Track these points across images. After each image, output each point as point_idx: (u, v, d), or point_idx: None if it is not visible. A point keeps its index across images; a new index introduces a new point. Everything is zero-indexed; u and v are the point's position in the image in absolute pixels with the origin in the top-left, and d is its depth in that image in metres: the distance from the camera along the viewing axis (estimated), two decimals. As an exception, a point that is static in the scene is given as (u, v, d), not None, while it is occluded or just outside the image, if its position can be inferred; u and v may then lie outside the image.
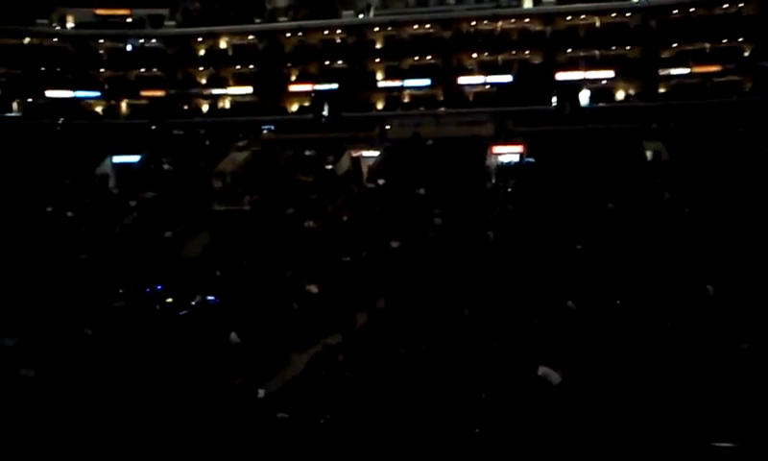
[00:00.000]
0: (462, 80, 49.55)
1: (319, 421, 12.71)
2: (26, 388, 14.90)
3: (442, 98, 49.52)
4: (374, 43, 51.33)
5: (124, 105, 55.35)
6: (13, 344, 18.46)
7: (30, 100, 53.47)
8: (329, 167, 40.09)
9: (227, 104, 54.17)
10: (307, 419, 12.84)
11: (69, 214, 35.56)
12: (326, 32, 51.93)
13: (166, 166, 42.54)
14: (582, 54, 47.39)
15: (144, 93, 54.50)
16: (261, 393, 14.73)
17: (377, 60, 51.27)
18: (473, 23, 49.36)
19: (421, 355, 15.81)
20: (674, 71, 45.67)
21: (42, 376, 15.48)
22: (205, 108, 54.17)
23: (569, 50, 47.81)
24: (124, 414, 12.90)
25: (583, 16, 47.59)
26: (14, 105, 53.65)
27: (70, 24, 54.33)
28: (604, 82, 46.80)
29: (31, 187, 38.03)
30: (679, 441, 10.12)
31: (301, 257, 26.99)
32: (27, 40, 53.60)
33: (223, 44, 53.95)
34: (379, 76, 51.17)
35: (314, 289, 23.01)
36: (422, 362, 15.38)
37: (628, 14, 46.88)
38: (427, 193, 33.61)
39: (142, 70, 54.89)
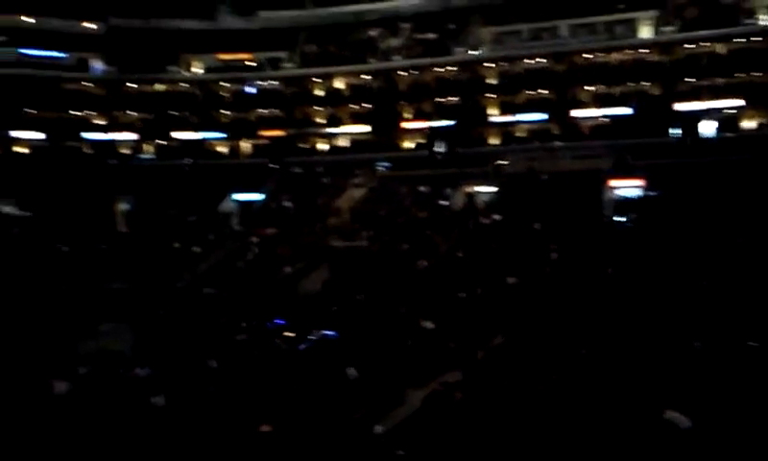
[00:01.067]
0: (577, 113, 48.83)
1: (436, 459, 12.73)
2: (157, 415, 15.71)
3: (557, 131, 48.94)
4: (488, 79, 51.45)
5: (246, 145, 57.71)
6: (146, 374, 19.53)
7: (162, 142, 56.85)
8: (444, 203, 40.32)
9: (343, 142, 55.50)
10: (424, 457, 12.88)
11: (195, 249, 37.40)
12: (440, 69, 52.51)
13: (286, 204, 44.00)
14: (705, 83, 45.65)
15: (264, 133, 56.67)
16: (379, 429, 14.87)
17: (491, 95, 51.33)
18: (588, 55, 48.65)
19: (539, 393, 15.55)
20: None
21: (172, 404, 16.29)
22: (323, 146, 55.71)
23: (690, 79, 46.18)
24: (243, 444, 13.42)
25: (704, 44, 45.86)
26: (149, 147, 57.15)
27: (196, 69, 57.56)
28: (732, 110, 44.70)
29: (163, 224, 40.39)
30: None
31: (416, 294, 27.14)
32: (158, 87, 57.32)
33: (339, 84, 55.50)
34: (493, 111, 51.19)
35: (429, 325, 23.07)
36: (540, 400, 15.12)
37: (756, 39, 44.60)
38: (543, 228, 33.18)
39: (262, 111, 57.20)
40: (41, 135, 53.65)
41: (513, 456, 12.33)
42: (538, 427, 13.51)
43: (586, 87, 49.09)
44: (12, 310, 26.59)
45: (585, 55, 48.72)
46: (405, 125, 53.28)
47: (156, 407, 16.10)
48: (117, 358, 21.61)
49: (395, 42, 54.44)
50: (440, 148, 50.18)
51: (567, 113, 48.91)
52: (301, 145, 55.61)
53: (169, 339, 24.04)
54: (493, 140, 50.85)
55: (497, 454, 12.60)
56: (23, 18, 53.13)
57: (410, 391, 18.44)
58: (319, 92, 55.94)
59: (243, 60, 57.72)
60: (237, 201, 46.00)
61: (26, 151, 53.64)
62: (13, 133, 53.04)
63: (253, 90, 57.20)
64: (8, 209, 42.09)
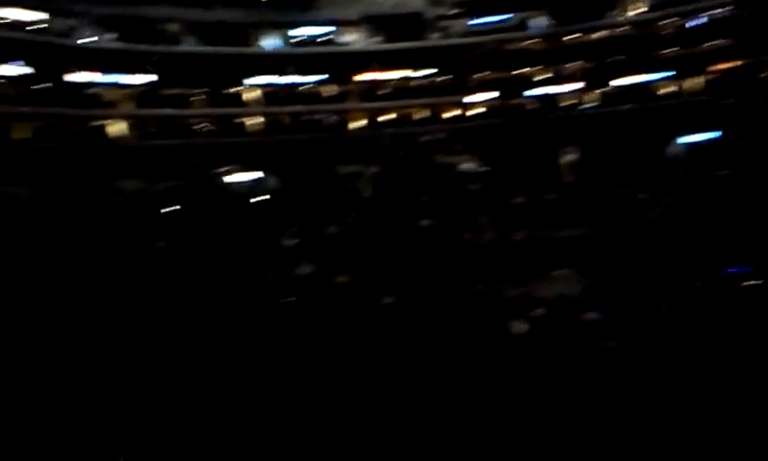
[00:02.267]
0: None
1: None
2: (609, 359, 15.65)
3: None
4: None
5: (693, 82, 53.70)
6: (597, 318, 19.62)
7: (604, 89, 56.27)
8: None
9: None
10: None
11: (641, 196, 36.40)
12: None
13: (741, 141, 40.08)
14: None
15: (715, 67, 52.29)
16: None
17: None
18: None
19: None
20: None
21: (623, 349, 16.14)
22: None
23: None
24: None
25: None
26: (590, 96, 57.10)
27: (637, 10, 55.30)
28: None
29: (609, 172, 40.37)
30: None
31: None
32: (597, 34, 56.75)
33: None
34: None
35: None
36: None
37: None
38: None
39: (713, 43, 52.54)
40: (492, 95, 57.57)
41: None
42: None
43: None
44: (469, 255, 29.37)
45: None
46: None
47: (607, 351, 16.14)
48: (569, 302, 22.22)
49: None
50: None
51: None
52: (761, 75, 49.72)
53: (620, 285, 23.86)
54: None
55: None
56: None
57: None
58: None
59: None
60: (685, 143, 43.52)
61: (481, 110, 58.13)
62: (466, 99, 57.84)
63: (703, 21, 52.83)
64: (469, 166, 46.49)
